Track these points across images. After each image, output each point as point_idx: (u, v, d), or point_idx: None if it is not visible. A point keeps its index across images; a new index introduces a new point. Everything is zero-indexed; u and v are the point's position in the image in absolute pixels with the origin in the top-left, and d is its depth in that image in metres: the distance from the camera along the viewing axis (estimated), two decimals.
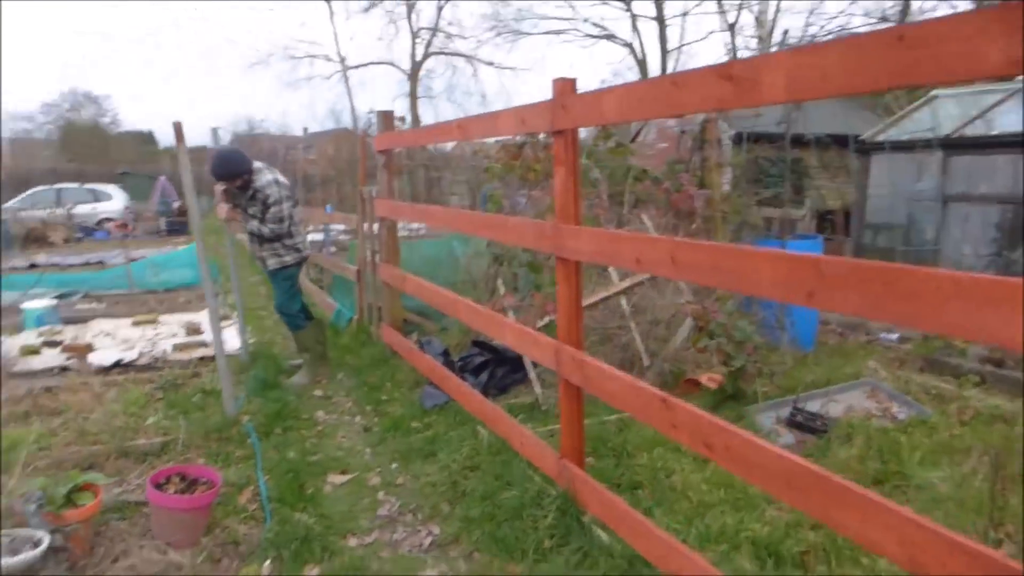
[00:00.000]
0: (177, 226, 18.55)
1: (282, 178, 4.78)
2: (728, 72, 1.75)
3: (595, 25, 27.08)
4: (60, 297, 8.40)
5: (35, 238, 17.01)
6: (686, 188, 4.50)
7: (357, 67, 32.93)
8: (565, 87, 2.58)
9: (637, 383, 2.29)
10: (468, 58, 31.84)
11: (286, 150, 30.42)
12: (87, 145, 42.29)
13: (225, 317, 6.90)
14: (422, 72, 32.08)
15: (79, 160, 37.93)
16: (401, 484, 3.36)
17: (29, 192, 19.51)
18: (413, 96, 31.86)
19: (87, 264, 12.71)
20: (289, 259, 4.86)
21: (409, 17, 31.80)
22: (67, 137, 45.64)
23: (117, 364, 5.30)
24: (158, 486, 2.94)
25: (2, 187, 19.50)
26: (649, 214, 5.09)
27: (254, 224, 4.73)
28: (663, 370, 4.31)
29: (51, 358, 5.36)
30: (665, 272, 2.10)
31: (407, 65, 32.50)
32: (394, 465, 3.54)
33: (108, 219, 18.88)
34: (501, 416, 3.34)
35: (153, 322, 6.89)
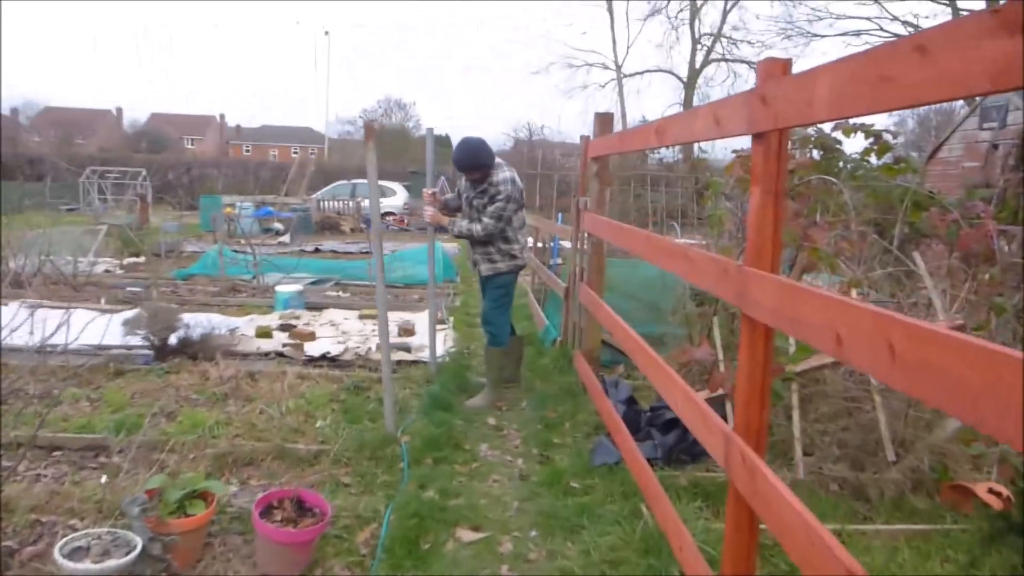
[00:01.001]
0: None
1: (519, 179, 4.51)
2: None
3: (905, 24, 23.54)
4: (315, 283, 9.17)
5: (329, 226, 19.32)
6: (984, 221, 3.23)
7: (633, 75, 32.70)
8: (772, 68, 1.78)
9: (822, 535, 1.43)
10: (751, 64, 29.83)
11: (563, 157, 31.42)
12: (392, 146, 47.93)
13: (442, 322, 6.87)
14: (700, 80, 30.85)
15: (384, 159, 42.93)
16: (533, 561, 2.76)
17: (333, 185, 22.31)
18: (688, 104, 30.72)
19: (361, 253, 13.94)
20: (503, 266, 4.55)
21: (692, 23, 30.75)
22: (379, 138, 52.13)
23: (323, 357, 5.42)
24: (267, 509, 2.70)
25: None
26: (930, 254, 3.85)
27: (463, 224, 4.48)
28: (917, 466, 3.15)
29: (274, 343, 5.66)
30: (876, 370, 1.24)
31: (685, 72, 31.48)
32: (533, 532, 2.95)
33: (390, 213, 20.84)
34: (665, 503, 2.57)
35: (376, 317, 7.09)
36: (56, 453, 3.67)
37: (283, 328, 6.51)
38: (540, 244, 8.94)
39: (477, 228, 4.43)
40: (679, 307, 4.85)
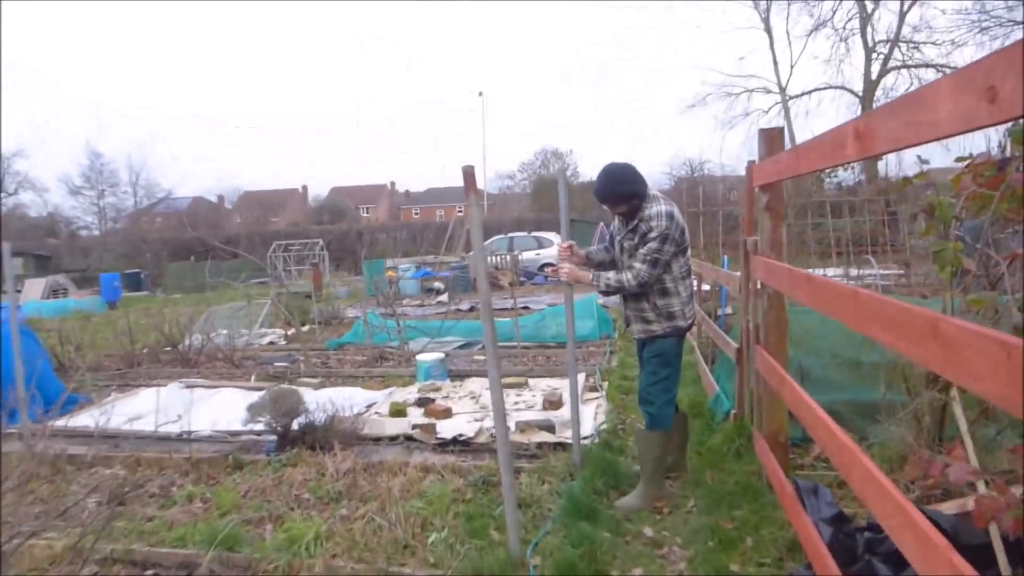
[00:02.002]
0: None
1: (679, 215, 3.62)
2: None
3: None
4: (463, 347, 8.69)
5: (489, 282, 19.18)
6: None
7: (799, 96, 30.35)
8: None
9: None
10: (939, 68, 26.52)
11: (728, 191, 29.61)
12: (551, 196, 48.26)
13: (594, 389, 6.02)
14: (879, 92, 27.88)
15: (544, 209, 43.22)
16: None
17: (490, 240, 22.37)
18: None
19: (515, 310, 13.45)
20: (658, 328, 3.66)
21: (863, 31, 28.07)
22: (537, 190, 52.86)
23: (455, 440, 4.76)
24: None
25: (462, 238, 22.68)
26: None
27: (608, 276, 3.65)
28: None
29: (405, 423, 5.10)
30: None
31: (860, 86, 28.68)
32: None
33: (548, 264, 20.43)
34: None
35: (522, 385, 6.38)
36: (147, 573, 3.24)
37: (420, 403, 5.98)
38: (706, 287, 7.86)
39: (627, 277, 3.56)
40: (895, 365, 3.64)
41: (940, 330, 1.40)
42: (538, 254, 20.74)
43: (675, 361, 3.71)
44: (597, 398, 5.74)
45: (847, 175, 21.54)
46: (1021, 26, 22.05)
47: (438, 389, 6.46)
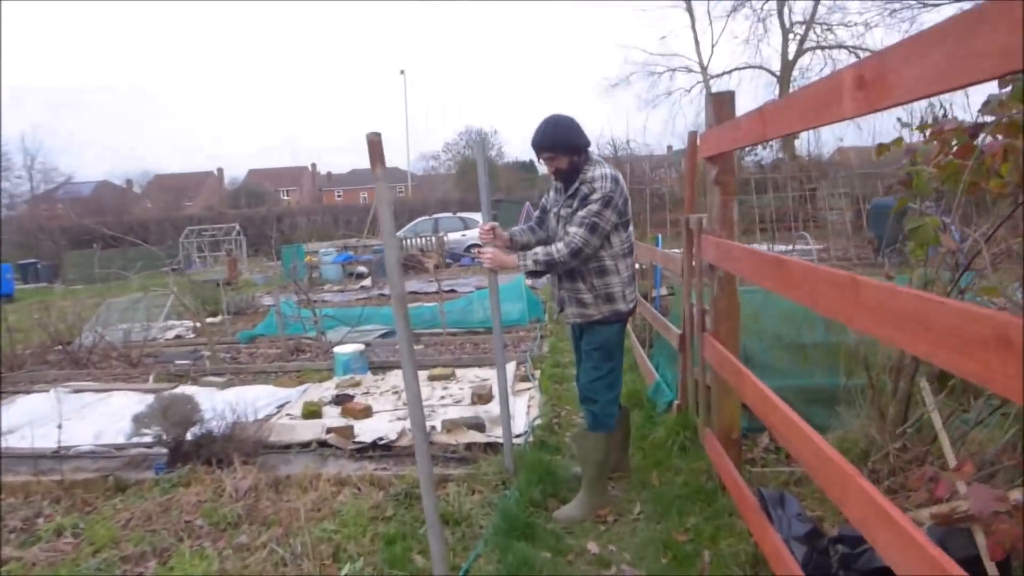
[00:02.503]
0: None
1: (623, 182, 3.22)
2: None
3: None
4: (386, 335, 8.16)
5: (413, 264, 18.58)
6: None
7: (720, 75, 30.72)
8: None
9: None
10: (851, 49, 27.31)
11: (651, 170, 29.76)
12: (475, 176, 47.62)
13: (525, 379, 5.63)
14: (795, 72, 28.52)
15: (469, 190, 42.65)
16: None
17: (414, 222, 21.70)
18: None
19: (442, 293, 12.95)
20: (596, 313, 3.25)
21: (780, 12, 28.58)
22: (462, 170, 52.15)
23: (375, 444, 4.29)
24: None
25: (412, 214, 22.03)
26: None
27: (537, 251, 3.23)
28: None
29: (319, 426, 4.58)
30: None
31: (777, 66, 29.25)
32: None
33: (475, 246, 19.95)
34: None
35: (448, 377, 5.93)
36: None
37: (337, 400, 5.46)
38: (639, 266, 7.57)
39: (558, 248, 3.13)
40: (853, 350, 3.38)
41: (757, 263, 1.03)
42: (464, 235, 20.21)
43: (617, 352, 3.33)
44: (529, 389, 5.36)
45: (766, 153, 21.83)
46: (928, 7, 22.86)
47: (357, 384, 5.94)
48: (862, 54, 26.67)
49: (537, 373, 5.78)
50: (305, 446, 4.37)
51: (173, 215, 39.55)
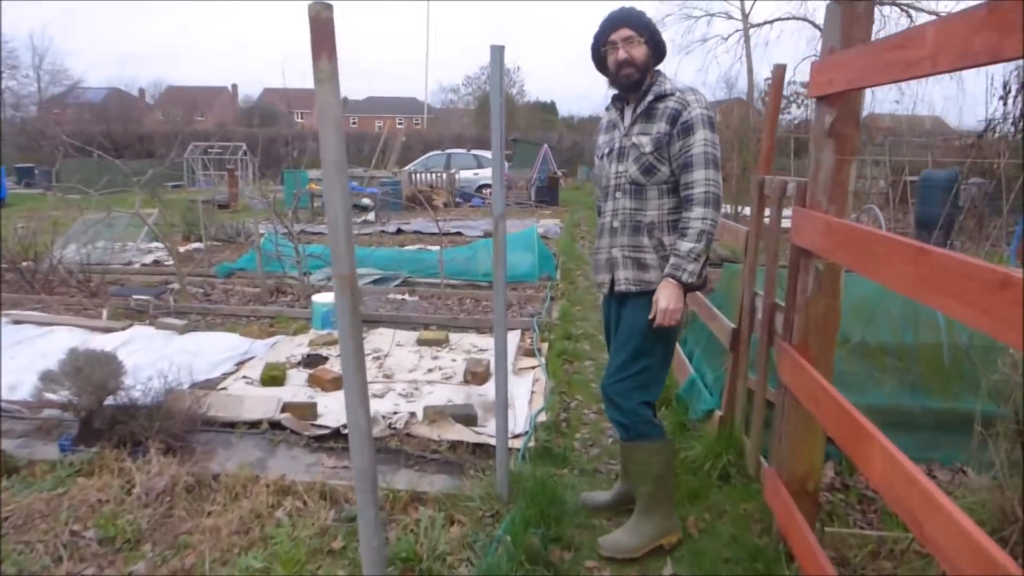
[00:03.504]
0: (545, 195, 17.63)
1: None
2: None
3: None
4: (377, 281, 7.30)
5: (421, 201, 17.58)
6: None
7: (761, 24, 28.87)
8: None
9: None
10: (904, 7, 25.39)
11: None
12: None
13: (530, 354, 4.76)
14: None
15: (486, 127, 41.22)
16: None
17: (426, 156, 20.59)
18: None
19: (447, 235, 12.02)
20: (659, 279, 2.33)
21: None
22: (481, 106, 50.41)
23: (338, 432, 3.45)
24: None
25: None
26: None
27: (683, 244, 2.26)
28: None
29: (270, 403, 3.72)
30: None
31: (822, 19, 27.34)
32: None
33: (486, 186, 18.89)
34: None
35: (441, 343, 5.07)
36: None
37: (307, 362, 4.63)
38: None
39: (699, 213, 2.25)
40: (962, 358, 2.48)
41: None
42: (476, 173, 19.15)
43: (664, 344, 2.43)
44: (534, 368, 4.50)
45: (800, 112, 20.38)
46: None
47: (335, 342, 5.09)
48: (916, 12, 24.87)
49: (545, 348, 4.91)
50: (254, 426, 3.54)
51: (184, 129, 38.44)
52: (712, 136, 2.28)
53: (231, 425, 3.55)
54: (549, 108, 54.85)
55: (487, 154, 19.85)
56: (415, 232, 12.35)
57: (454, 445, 3.33)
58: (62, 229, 9.49)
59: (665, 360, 2.48)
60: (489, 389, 4.04)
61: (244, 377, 4.31)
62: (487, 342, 5.06)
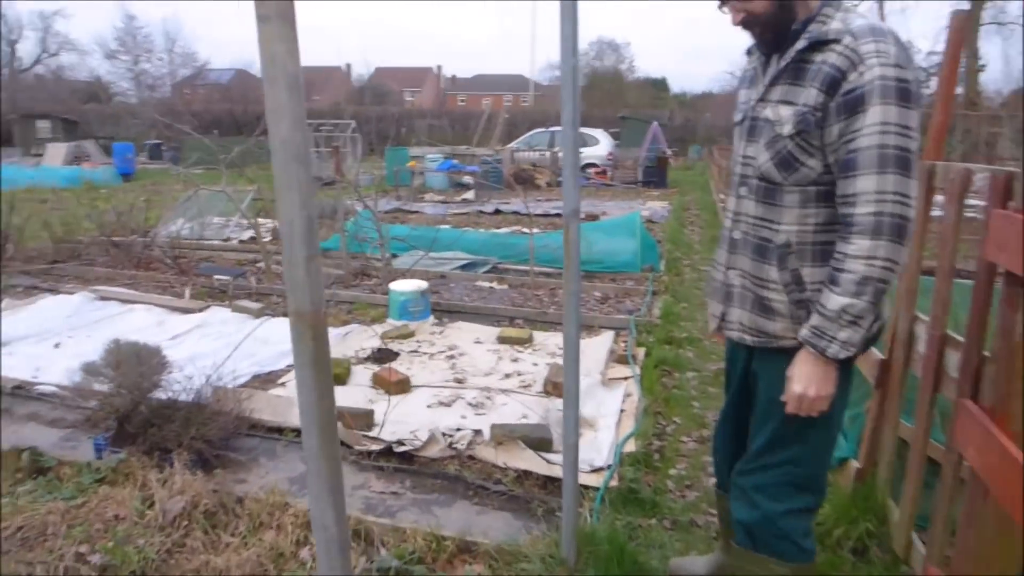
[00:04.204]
0: (653, 176, 16.71)
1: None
2: None
3: None
4: (466, 267, 6.87)
5: (523, 179, 17.11)
6: None
7: None
8: None
9: None
10: None
11: None
12: (602, 90, 44.78)
13: (624, 360, 4.17)
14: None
15: (593, 105, 40.23)
16: None
17: (529, 133, 20.05)
18: (976, 24, 23.84)
19: (547, 216, 11.50)
20: (788, 333, 1.63)
21: None
22: (590, 83, 49.27)
23: (390, 450, 3.01)
24: None
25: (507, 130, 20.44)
26: None
27: (836, 295, 1.47)
28: None
29: (342, 395, 3.35)
30: None
31: None
32: None
33: (591, 165, 18.17)
34: None
35: (524, 342, 4.56)
36: None
37: (377, 357, 4.25)
38: None
39: (854, 250, 1.43)
40: None
41: None
42: (580, 152, 18.41)
43: (824, 425, 1.63)
44: (627, 380, 3.90)
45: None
46: None
47: (410, 335, 4.70)
48: None
49: (641, 354, 4.29)
50: (298, 435, 3.17)
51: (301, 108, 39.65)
52: (901, 115, 1.39)
53: (279, 430, 3.20)
54: (660, 84, 52.93)
55: (593, 132, 19.11)
56: (513, 212, 11.87)
57: (522, 475, 2.82)
58: (171, 204, 9.71)
59: (824, 447, 1.69)
60: (560, 404, 3.49)
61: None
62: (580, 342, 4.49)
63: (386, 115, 34.39)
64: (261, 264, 6.81)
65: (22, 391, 3.71)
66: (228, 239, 9.05)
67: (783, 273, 1.59)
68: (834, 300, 1.46)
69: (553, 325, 5.01)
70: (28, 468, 2.79)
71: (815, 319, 1.50)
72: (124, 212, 7.95)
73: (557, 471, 2.79)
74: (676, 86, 52.54)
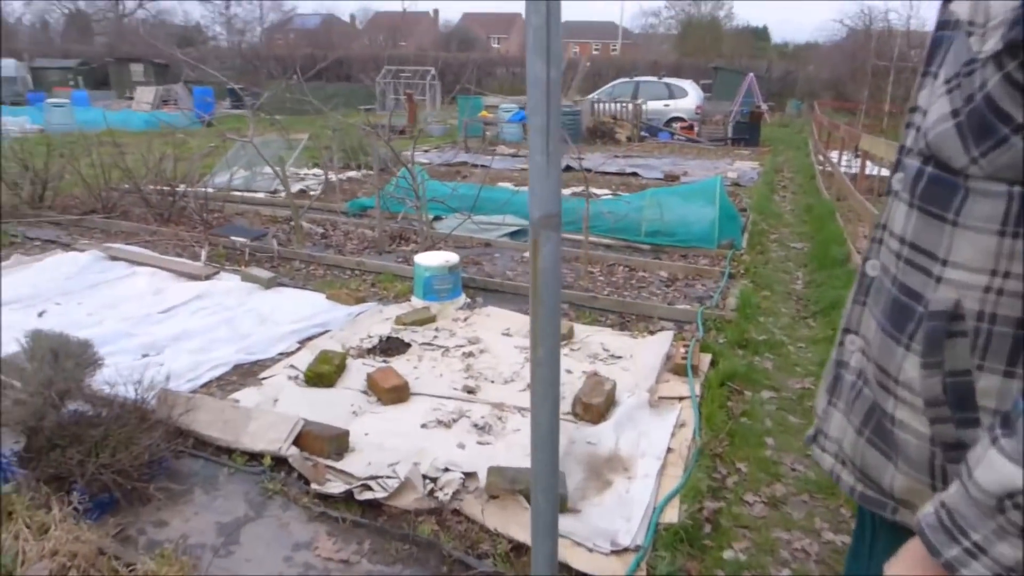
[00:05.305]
0: (744, 132, 15.25)
1: None
2: None
3: None
4: (515, 234, 6.09)
5: (603, 133, 16.00)
6: None
7: None
8: None
9: None
10: None
11: (910, 49, 23.62)
12: (698, 39, 42.16)
13: (681, 371, 3.33)
14: None
15: (686, 54, 37.97)
16: None
17: (612, 84, 18.75)
18: None
19: (621, 176, 10.50)
20: (901, 483, 0.81)
21: None
22: (684, 32, 46.56)
23: (350, 495, 2.31)
24: None
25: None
26: None
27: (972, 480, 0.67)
28: None
29: (280, 429, 2.63)
30: None
31: None
32: None
33: (677, 119, 16.80)
34: None
35: (565, 338, 3.76)
36: None
37: (385, 348, 3.56)
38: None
39: None
40: None
41: None
42: (667, 104, 17.01)
43: None
44: (682, 401, 3.05)
45: None
46: None
47: (430, 320, 3.99)
48: None
49: (706, 363, 3.41)
50: (255, 459, 2.51)
51: (386, 53, 39.29)
52: None
53: (227, 451, 2.56)
54: (760, 34, 49.48)
55: (681, 83, 17.66)
56: (586, 170, 10.90)
57: (517, 548, 2.07)
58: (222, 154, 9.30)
59: None
60: (604, 433, 2.70)
61: (291, 367, 3.32)
62: (624, 344, 3.67)
63: (468, 62, 33.41)
64: (293, 222, 6.23)
65: None
66: (276, 191, 8.56)
67: (930, 376, 0.76)
68: (998, 468, 0.64)
69: (603, 315, 4.18)
70: None
71: (952, 493, 0.69)
72: (174, 160, 7.51)
73: (566, 550, 2.03)
74: (777, 36, 49.03)
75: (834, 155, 9.96)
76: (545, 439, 1.40)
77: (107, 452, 2.25)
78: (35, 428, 2.35)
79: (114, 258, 5.06)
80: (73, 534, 1.94)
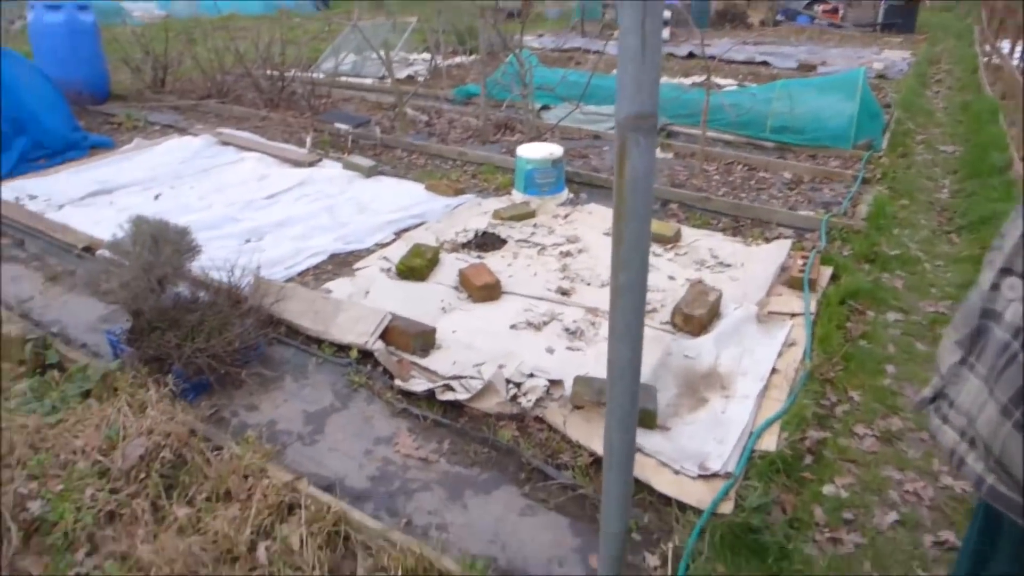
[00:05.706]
0: (897, 16, 13.52)
1: None
2: None
3: None
4: None
5: (733, 16, 14.68)
6: None
7: None
8: None
9: None
10: None
11: None
12: None
13: (795, 285, 3.04)
14: None
15: None
16: None
17: None
18: None
19: (750, 65, 9.66)
20: None
21: None
22: None
23: (432, 395, 2.28)
24: None
25: None
26: None
27: None
28: None
29: (370, 319, 2.61)
30: None
31: None
32: None
33: (819, 0, 15.08)
34: None
35: (667, 241, 3.50)
36: None
37: (480, 243, 3.47)
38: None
39: None
40: None
41: None
42: None
43: None
44: (793, 317, 2.78)
45: None
46: None
47: (529, 215, 3.84)
48: None
49: (826, 277, 3.09)
50: (343, 351, 2.52)
51: None
52: None
53: (316, 342, 2.58)
54: None
55: None
56: (711, 58, 10.07)
57: (598, 462, 1.98)
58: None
59: None
60: (704, 347, 2.51)
61: (384, 259, 3.29)
62: (735, 251, 3.39)
63: None
64: (397, 110, 6.12)
65: (88, 251, 3.40)
66: (383, 77, 8.45)
67: None
68: None
69: (715, 217, 3.88)
70: (31, 363, 2.42)
71: None
72: (282, 44, 7.51)
73: (649, 471, 1.92)
74: None
75: (1005, 45, 8.63)
76: (624, 385, 1.24)
77: (202, 336, 2.31)
78: (137, 311, 2.44)
79: (224, 143, 5.18)
80: (168, 415, 2.02)
